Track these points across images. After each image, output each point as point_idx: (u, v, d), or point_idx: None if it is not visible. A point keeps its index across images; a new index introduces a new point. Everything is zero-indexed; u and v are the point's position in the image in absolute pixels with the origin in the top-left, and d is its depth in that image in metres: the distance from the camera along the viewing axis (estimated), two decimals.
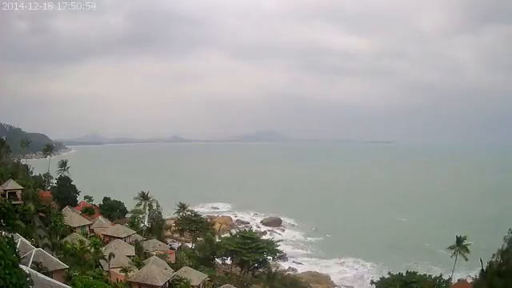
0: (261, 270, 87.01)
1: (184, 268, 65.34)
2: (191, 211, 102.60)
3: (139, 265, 61.17)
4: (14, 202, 56.79)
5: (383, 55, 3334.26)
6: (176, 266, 69.40)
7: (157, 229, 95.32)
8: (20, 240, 41.50)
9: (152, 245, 77.96)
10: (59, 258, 45.74)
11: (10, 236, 34.60)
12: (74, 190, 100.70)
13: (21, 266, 24.52)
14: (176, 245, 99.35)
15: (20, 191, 66.80)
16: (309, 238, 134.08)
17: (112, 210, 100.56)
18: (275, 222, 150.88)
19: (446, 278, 69.22)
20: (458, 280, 64.92)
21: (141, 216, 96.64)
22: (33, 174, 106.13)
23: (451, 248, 69.28)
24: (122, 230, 78.01)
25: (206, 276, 67.82)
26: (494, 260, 31.20)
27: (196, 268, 71.39)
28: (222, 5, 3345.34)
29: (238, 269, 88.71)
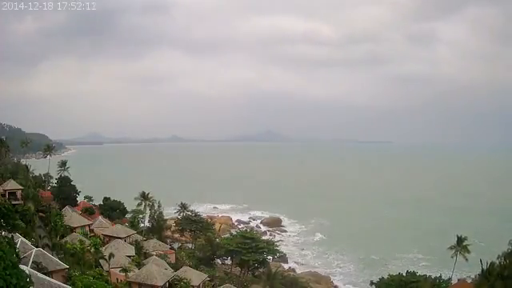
0: (261, 269, 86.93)
1: (184, 268, 65.32)
2: (191, 211, 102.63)
3: (139, 265, 61.21)
4: (14, 202, 56.93)
5: (351, 40, 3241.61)
6: (176, 266, 69.43)
7: (157, 229, 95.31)
8: (20, 240, 41.58)
9: (152, 245, 77.96)
10: (59, 258, 45.74)
11: (9, 236, 34.68)
12: (73, 190, 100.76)
13: (21, 266, 24.52)
14: (176, 245, 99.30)
15: (20, 191, 66.90)
16: (309, 238, 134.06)
17: (112, 210, 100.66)
18: (275, 222, 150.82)
19: (445, 278, 69.23)
20: (458, 280, 64.90)
21: (141, 216, 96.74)
22: (33, 174, 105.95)
23: (452, 248, 69.20)
24: (121, 230, 78.08)
25: (206, 276, 67.84)
26: (496, 262, 30.93)
27: (196, 268, 71.46)
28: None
29: (238, 269, 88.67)
